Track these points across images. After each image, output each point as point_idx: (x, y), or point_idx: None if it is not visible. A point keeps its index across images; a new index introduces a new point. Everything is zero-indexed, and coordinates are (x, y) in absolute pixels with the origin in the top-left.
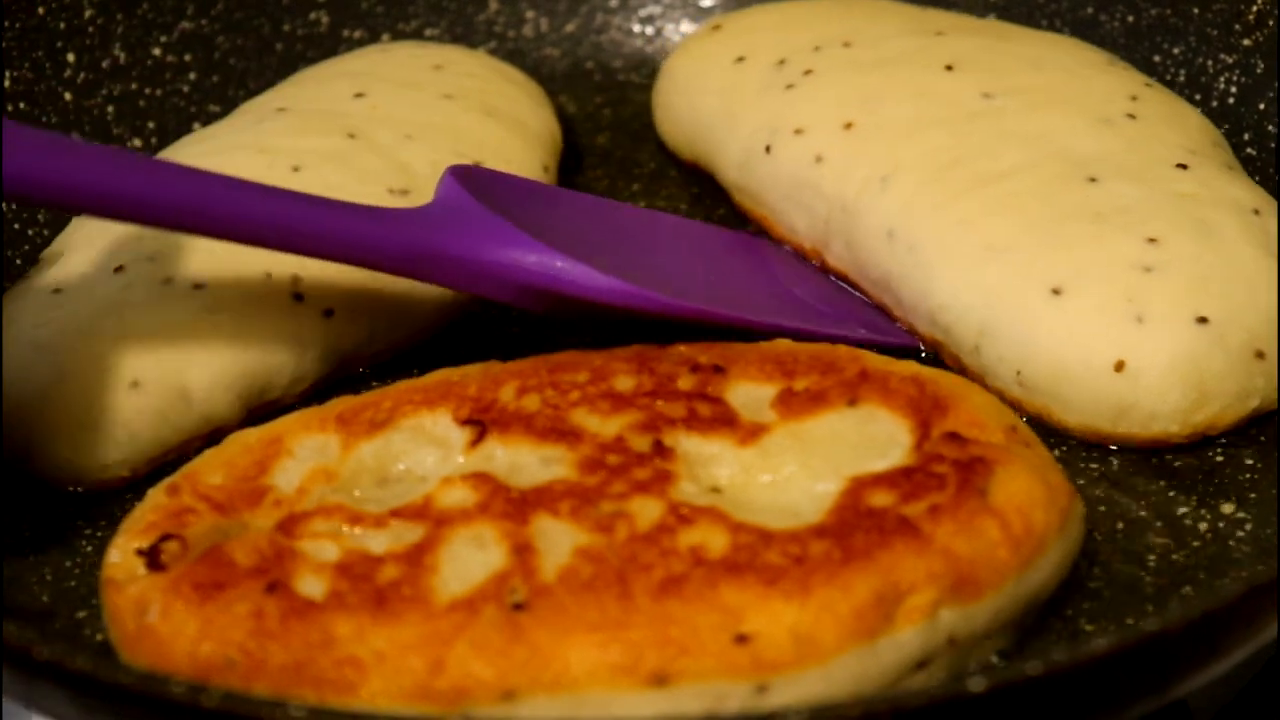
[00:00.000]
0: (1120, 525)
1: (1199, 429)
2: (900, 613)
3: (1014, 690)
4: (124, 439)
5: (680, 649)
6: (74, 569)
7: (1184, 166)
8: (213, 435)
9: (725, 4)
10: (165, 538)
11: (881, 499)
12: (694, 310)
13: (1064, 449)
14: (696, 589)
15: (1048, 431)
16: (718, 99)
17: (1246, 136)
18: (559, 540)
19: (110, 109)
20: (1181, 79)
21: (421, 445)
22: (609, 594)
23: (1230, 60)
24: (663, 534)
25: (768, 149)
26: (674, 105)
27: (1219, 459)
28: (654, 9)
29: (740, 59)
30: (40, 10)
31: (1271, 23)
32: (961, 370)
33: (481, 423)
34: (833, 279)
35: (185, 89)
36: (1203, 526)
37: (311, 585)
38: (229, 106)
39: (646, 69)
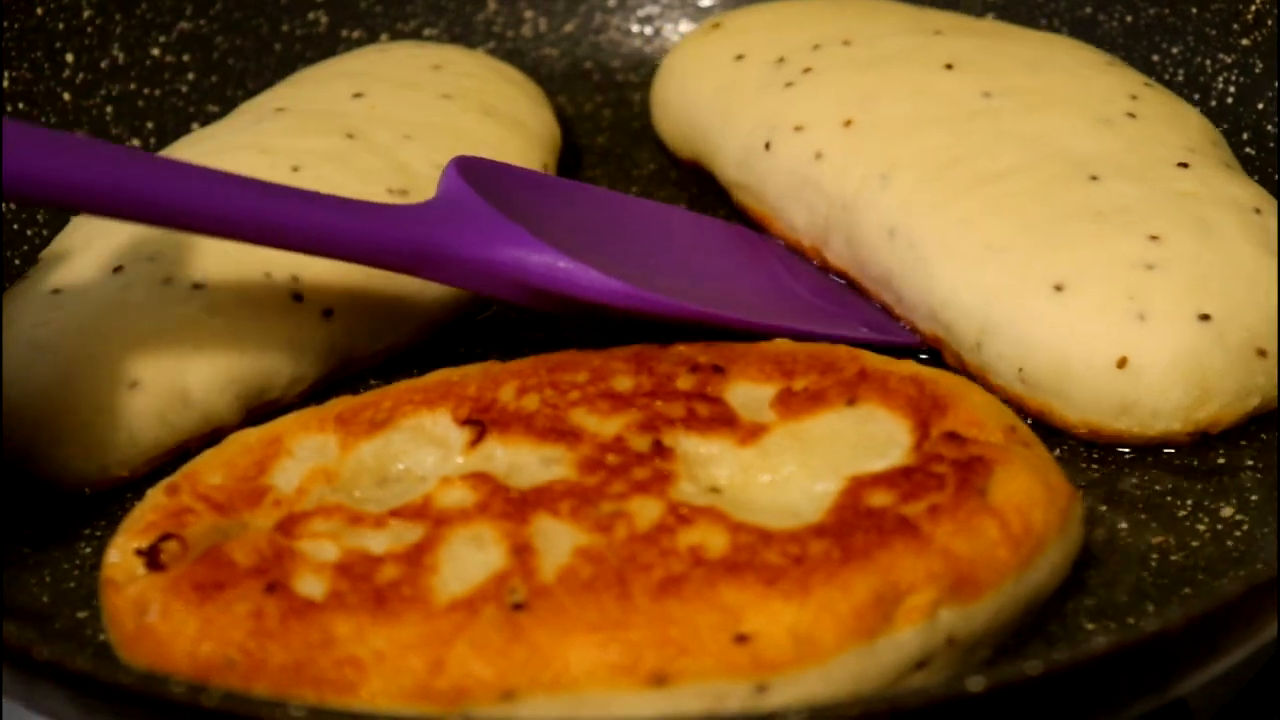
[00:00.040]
0: (1120, 525)
1: (1201, 426)
2: (900, 612)
3: (1013, 690)
4: (123, 439)
5: (680, 649)
6: (74, 569)
7: (1184, 165)
8: (212, 435)
9: (724, 3)
10: (165, 538)
11: (881, 499)
12: (695, 312)
13: (1064, 449)
14: (696, 589)
15: (1048, 431)
16: (717, 97)
17: (1245, 136)
18: (558, 540)
19: (109, 109)
20: (1180, 78)
21: (421, 445)
22: (608, 594)
23: (1229, 60)
24: (662, 534)
25: (767, 146)
26: (673, 103)
27: (1219, 459)
28: (652, 9)
29: (739, 57)
30: (39, 10)
31: (1270, 22)
32: (963, 368)
33: (481, 423)
34: (832, 276)
35: (184, 89)
36: (1202, 527)
37: (311, 585)
38: (228, 107)
39: (645, 69)
